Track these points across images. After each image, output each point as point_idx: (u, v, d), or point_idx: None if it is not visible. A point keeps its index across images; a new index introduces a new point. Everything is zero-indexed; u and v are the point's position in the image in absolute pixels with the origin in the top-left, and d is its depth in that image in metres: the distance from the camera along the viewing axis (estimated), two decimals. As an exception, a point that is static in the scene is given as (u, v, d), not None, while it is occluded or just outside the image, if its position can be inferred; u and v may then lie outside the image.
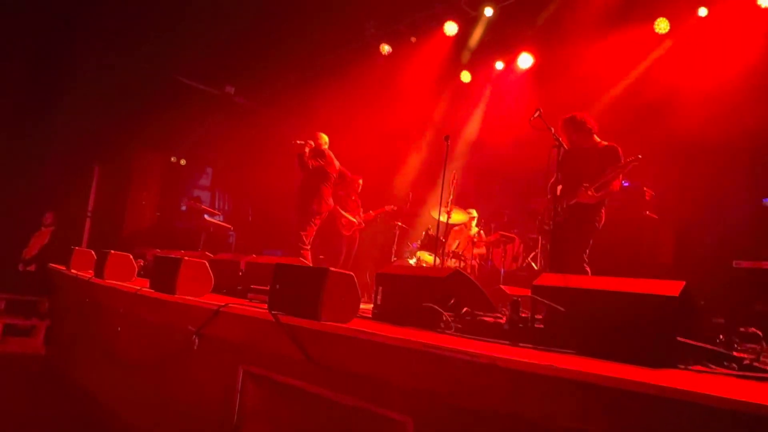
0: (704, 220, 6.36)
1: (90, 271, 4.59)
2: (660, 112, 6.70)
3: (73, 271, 4.89)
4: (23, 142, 8.56)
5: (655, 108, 6.78)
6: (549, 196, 4.74)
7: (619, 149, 4.49)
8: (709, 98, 6.41)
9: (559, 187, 4.60)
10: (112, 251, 4.23)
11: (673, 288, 1.86)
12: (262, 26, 8.40)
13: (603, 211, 4.58)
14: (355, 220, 8.03)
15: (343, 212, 8.06)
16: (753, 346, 2.22)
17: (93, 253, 4.96)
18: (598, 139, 4.71)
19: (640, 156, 4.24)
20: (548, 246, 4.93)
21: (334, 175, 6.90)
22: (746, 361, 1.90)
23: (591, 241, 4.51)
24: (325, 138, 6.90)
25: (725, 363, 1.92)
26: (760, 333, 2.09)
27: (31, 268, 8.11)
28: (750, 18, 6.40)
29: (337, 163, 6.93)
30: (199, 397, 2.90)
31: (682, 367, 1.81)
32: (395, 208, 8.23)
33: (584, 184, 4.39)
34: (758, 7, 6.30)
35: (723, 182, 6.44)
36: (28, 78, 8.33)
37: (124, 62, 8.66)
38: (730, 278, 5.41)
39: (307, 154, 6.62)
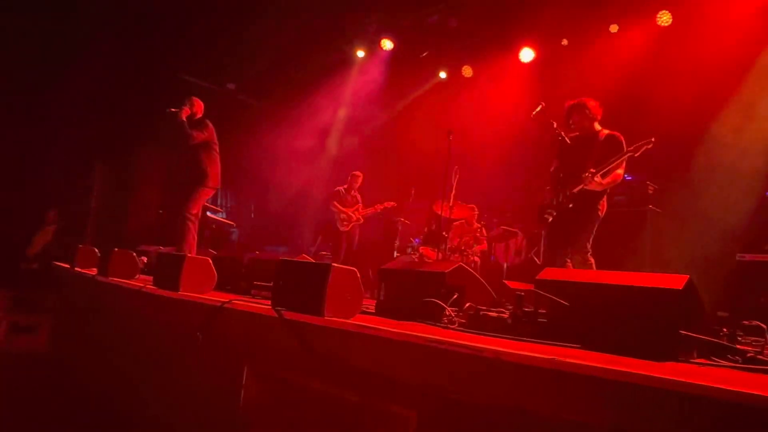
0: (708, 213, 6.34)
1: (94, 269, 4.60)
2: (663, 105, 6.67)
3: (77, 269, 4.90)
4: (26, 139, 8.57)
5: (658, 101, 6.74)
6: (549, 187, 4.71)
7: (621, 137, 4.46)
8: (713, 91, 6.39)
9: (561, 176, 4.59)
10: (116, 249, 4.24)
11: (676, 281, 1.86)
12: (265, 24, 8.38)
13: (605, 199, 4.56)
14: (352, 215, 8.05)
15: (340, 207, 8.07)
16: (757, 338, 2.22)
17: (97, 251, 4.98)
18: (599, 128, 4.67)
19: (653, 139, 4.11)
20: (549, 233, 4.90)
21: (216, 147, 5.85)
22: (750, 354, 1.90)
23: (594, 230, 4.49)
24: (201, 104, 5.91)
25: (729, 356, 1.92)
26: (764, 326, 2.09)
27: (34, 265, 8.13)
28: (753, 11, 6.36)
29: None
30: (203, 393, 2.91)
31: (686, 360, 1.81)
32: (395, 205, 8.23)
33: (590, 170, 4.33)
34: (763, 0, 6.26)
35: (726, 175, 6.42)
36: (30, 75, 8.33)
37: (127, 59, 8.67)
38: (734, 271, 5.40)
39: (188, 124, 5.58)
